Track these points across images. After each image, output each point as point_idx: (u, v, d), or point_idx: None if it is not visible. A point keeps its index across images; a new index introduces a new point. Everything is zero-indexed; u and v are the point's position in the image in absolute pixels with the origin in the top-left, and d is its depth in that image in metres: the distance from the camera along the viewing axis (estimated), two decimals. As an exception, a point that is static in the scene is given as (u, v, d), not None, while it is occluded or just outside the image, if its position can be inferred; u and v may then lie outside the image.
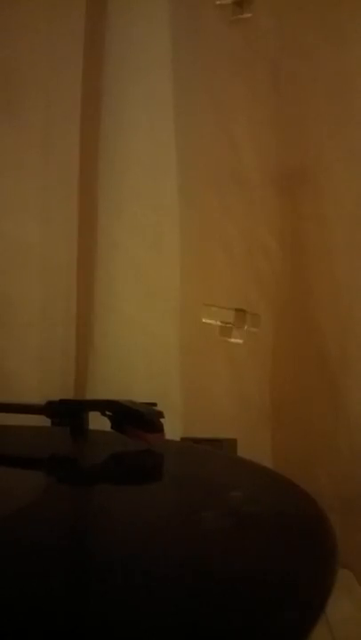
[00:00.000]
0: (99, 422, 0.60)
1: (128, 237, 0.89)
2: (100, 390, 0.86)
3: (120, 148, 0.88)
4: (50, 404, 0.62)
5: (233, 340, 0.92)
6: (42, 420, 0.63)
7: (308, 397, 0.90)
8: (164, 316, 0.91)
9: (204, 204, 0.92)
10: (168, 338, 0.91)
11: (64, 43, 0.90)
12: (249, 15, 0.88)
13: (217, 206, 0.91)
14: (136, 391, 0.84)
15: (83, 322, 0.90)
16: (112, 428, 0.59)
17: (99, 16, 0.88)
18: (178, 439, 0.84)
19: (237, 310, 0.92)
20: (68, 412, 0.61)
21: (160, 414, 0.58)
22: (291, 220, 0.90)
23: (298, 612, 0.30)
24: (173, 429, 0.80)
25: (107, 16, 0.87)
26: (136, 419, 0.57)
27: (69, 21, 0.89)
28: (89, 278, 0.89)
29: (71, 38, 0.89)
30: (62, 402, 0.62)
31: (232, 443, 0.89)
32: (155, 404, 0.60)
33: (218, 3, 0.89)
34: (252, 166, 0.91)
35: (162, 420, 0.57)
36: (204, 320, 0.92)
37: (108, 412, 0.59)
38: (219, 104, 0.91)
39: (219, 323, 0.92)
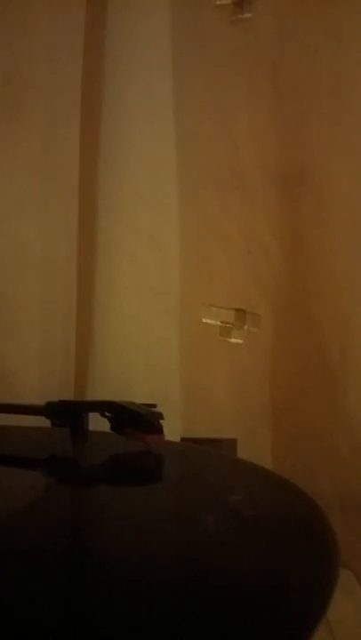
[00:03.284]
0: (99, 423, 0.60)
1: (128, 237, 0.89)
2: (100, 391, 0.86)
3: (120, 148, 0.88)
4: (49, 404, 0.62)
5: (233, 340, 0.92)
6: (42, 421, 0.63)
7: (308, 397, 0.90)
8: (163, 315, 0.91)
9: (204, 203, 0.91)
10: (168, 338, 0.91)
11: (64, 43, 0.90)
12: (249, 15, 0.88)
13: (217, 206, 0.91)
14: (136, 392, 0.84)
15: (83, 322, 0.90)
16: (111, 429, 0.59)
17: (99, 16, 0.88)
18: (178, 439, 0.84)
19: (237, 310, 0.92)
20: (68, 413, 0.61)
21: (160, 415, 0.58)
22: (291, 220, 0.90)
23: (300, 613, 0.30)
24: (173, 430, 0.80)
25: (107, 16, 0.87)
26: (135, 420, 0.57)
27: (69, 21, 0.89)
28: (89, 278, 0.89)
29: (71, 38, 0.89)
30: (62, 403, 0.62)
31: (232, 443, 0.89)
32: (154, 405, 0.60)
33: (218, 3, 0.89)
34: (253, 166, 0.91)
35: (161, 420, 0.57)
36: (204, 320, 0.92)
37: (107, 414, 0.59)
38: (219, 104, 0.91)
39: (219, 323, 0.92)
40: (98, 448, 0.62)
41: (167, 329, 0.91)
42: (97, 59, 0.88)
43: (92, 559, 0.38)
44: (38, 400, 0.63)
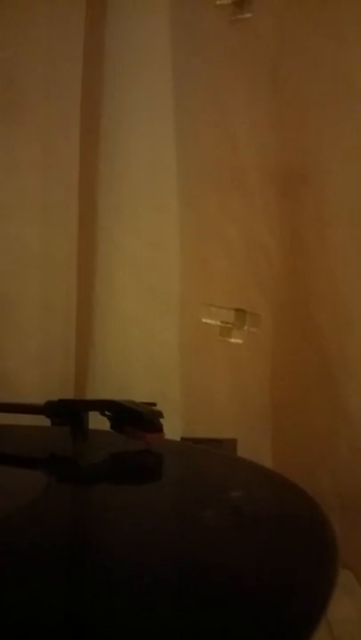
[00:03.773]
0: (99, 422, 0.60)
1: (128, 237, 0.89)
2: (100, 390, 0.86)
3: (120, 148, 0.88)
4: (49, 403, 0.62)
5: (233, 340, 0.92)
6: (42, 420, 0.63)
7: (308, 397, 0.90)
8: (163, 315, 0.91)
9: (204, 203, 0.91)
10: (168, 338, 0.91)
11: (64, 43, 0.90)
12: (249, 15, 0.88)
13: (217, 206, 0.91)
14: (136, 391, 0.84)
15: (83, 322, 0.90)
16: (111, 427, 0.59)
17: (99, 16, 0.88)
18: (178, 439, 0.84)
19: (237, 310, 0.92)
20: (68, 412, 0.61)
21: (160, 414, 0.58)
22: (291, 220, 0.90)
23: (299, 612, 0.30)
24: (173, 429, 0.80)
25: (106, 16, 0.87)
26: (135, 418, 0.57)
27: (69, 22, 0.90)
28: (89, 278, 0.89)
29: (71, 38, 0.90)
30: (61, 402, 0.62)
31: (232, 443, 0.89)
32: (154, 404, 0.60)
33: (218, 3, 0.89)
34: (252, 166, 0.91)
35: (161, 419, 0.57)
36: (204, 320, 0.92)
37: (107, 412, 0.59)
38: (219, 104, 0.91)
39: (219, 323, 0.92)
40: (98, 447, 0.62)
41: (167, 329, 0.91)
42: (97, 59, 0.88)
43: (93, 558, 0.38)
44: (39, 399, 0.63)
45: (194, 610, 0.30)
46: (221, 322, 0.92)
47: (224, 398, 0.93)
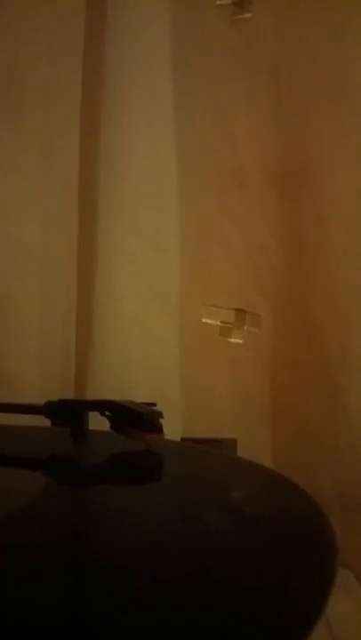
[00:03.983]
0: (99, 422, 0.60)
1: (128, 237, 0.89)
2: (100, 390, 0.86)
3: (120, 149, 0.88)
4: (49, 404, 0.62)
5: (233, 340, 0.92)
6: (42, 420, 0.63)
7: (308, 397, 0.90)
8: (163, 315, 0.91)
9: (204, 203, 0.91)
10: (168, 338, 0.91)
11: (64, 43, 0.90)
12: (249, 15, 0.88)
13: (217, 206, 0.91)
14: (136, 391, 0.84)
15: (83, 322, 0.90)
16: (111, 428, 0.59)
17: (99, 16, 0.88)
18: (178, 439, 0.84)
19: (237, 310, 0.92)
20: (68, 413, 0.61)
21: (159, 414, 0.58)
22: (291, 220, 0.90)
23: (298, 612, 0.30)
24: (173, 430, 0.80)
25: (107, 16, 0.87)
26: (135, 419, 0.57)
27: (70, 21, 0.90)
28: (89, 278, 0.89)
29: (71, 38, 0.90)
30: (61, 402, 0.62)
31: (232, 443, 0.89)
32: (154, 404, 0.60)
33: (218, 3, 0.89)
34: (252, 166, 0.91)
35: (161, 420, 0.57)
36: (203, 320, 0.92)
37: (107, 413, 0.59)
38: (219, 104, 0.91)
39: (219, 323, 0.92)
40: (98, 447, 0.62)
41: (167, 329, 0.91)
42: (97, 59, 0.88)
43: (93, 558, 0.38)
44: (38, 400, 0.64)
45: (194, 610, 0.30)
46: (221, 322, 0.92)
47: (224, 398, 0.93)
